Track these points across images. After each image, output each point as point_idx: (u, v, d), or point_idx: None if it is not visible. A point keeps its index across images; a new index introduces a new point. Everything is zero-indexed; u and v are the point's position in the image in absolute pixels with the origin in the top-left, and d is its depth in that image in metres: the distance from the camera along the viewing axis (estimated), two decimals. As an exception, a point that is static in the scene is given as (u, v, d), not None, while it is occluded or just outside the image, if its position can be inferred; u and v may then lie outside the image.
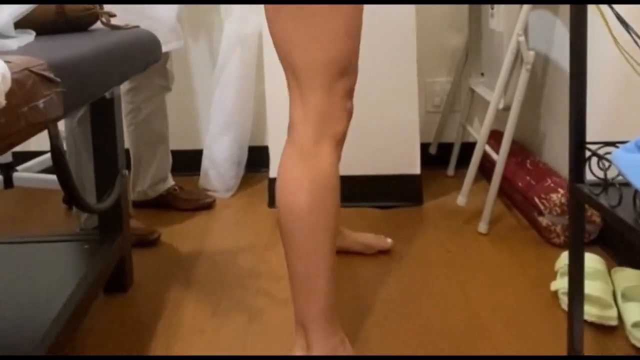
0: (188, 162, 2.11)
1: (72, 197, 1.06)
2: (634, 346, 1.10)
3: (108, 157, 1.31)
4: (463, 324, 1.20)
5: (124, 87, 1.72)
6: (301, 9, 0.93)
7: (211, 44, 2.19)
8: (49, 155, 2.28)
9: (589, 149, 0.92)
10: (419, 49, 1.83)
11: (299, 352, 1.02)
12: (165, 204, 1.88)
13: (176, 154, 1.92)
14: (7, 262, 1.33)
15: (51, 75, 0.65)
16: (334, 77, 0.96)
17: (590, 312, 1.16)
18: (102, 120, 1.27)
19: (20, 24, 0.99)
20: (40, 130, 0.68)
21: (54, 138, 0.95)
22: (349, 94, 1.01)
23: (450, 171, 2.07)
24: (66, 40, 1.03)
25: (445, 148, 2.11)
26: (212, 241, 1.66)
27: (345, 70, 0.97)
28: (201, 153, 2.08)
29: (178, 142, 2.00)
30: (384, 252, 1.50)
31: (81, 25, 1.15)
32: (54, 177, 2.09)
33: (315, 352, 0.99)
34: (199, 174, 2.07)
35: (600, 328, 1.16)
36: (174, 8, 1.64)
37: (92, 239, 1.38)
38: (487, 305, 1.26)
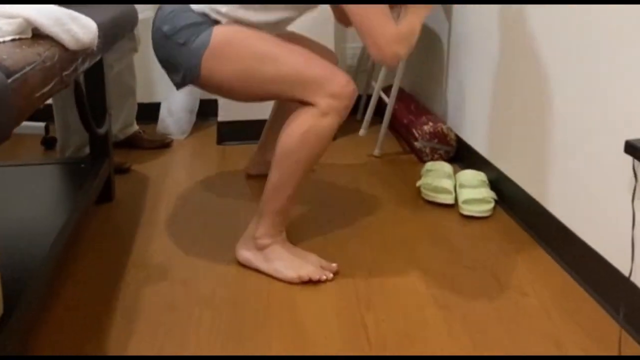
0: (146, 112, 2.54)
1: (85, 122, 1.51)
2: (462, 215, 1.72)
3: (99, 100, 1.75)
4: (357, 208, 1.77)
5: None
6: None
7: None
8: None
9: None
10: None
11: (252, 224, 1.43)
12: (133, 144, 2.31)
13: (139, 106, 2.32)
14: (12, 183, 1.58)
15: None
16: (315, 89, 1.28)
17: (438, 197, 1.77)
18: (95, 71, 1.71)
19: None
20: (90, 65, 1.15)
21: (77, 77, 1.41)
22: (348, 84, 1.30)
23: (359, 116, 2.63)
24: (88, 9, 1.45)
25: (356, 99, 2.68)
26: (173, 169, 2.12)
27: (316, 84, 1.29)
28: (156, 105, 2.51)
29: (137, 96, 2.39)
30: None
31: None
32: (31, 123, 2.46)
33: (262, 230, 1.38)
34: (155, 123, 2.51)
35: (444, 206, 1.77)
36: None
37: (86, 161, 1.82)
38: (374, 198, 1.84)
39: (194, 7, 1.33)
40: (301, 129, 1.29)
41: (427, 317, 1.24)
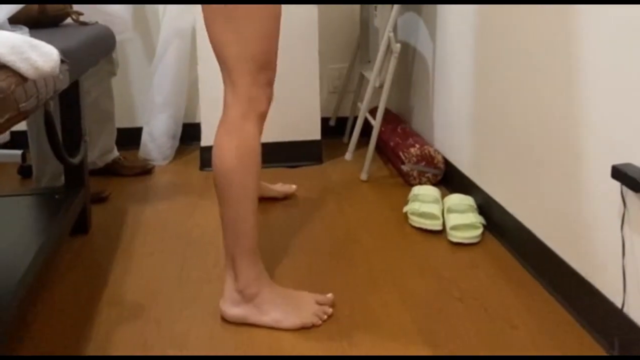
0: (127, 137, 2.49)
1: (56, 152, 1.45)
2: (450, 242, 1.66)
3: (74, 127, 1.70)
4: (342, 236, 1.71)
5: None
6: (230, 15, 1.14)
7: (148, 37, 2.54)
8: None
9: None
10: (322, 42, 2.31)
11: (229, 279, 1.28)
12: (112, 172, 2.25)
13: (119, 132, 2.28)
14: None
15: (63, 57, 1.07)
16: (257, 70, 1.19)
17: (425, 223, 1.72)
18: (70, 97, 1.66)
19: (11, 20, 1.35)
20: (56, 94, 1.10)
21: (47, 105, 1.35)
22: (270, 83, 1.23)
23: (346, 139, 2.59)
24: (54, 33, 1.40)
25: (342, 121, 2.64)
26: (154, 196, 2.06)
27: (266, 65, 1.21)
28: (138, 130, 2.46)
29: (118, 120, 2.33)
30: (289, 196, 2.00)
31: (56, 21, 1.53)
32: (7, 151, 2.41)
33: (242, 278, 1.25)
34: (137, 148, 2.46)
35: (431, 232, 1.72)
36: (129, 6, 2.01)
37: (60, 191, 1.76)
38: (360, 224, 1.78)
39: None
40: (231, 145, 1.20)
41: (413, 354, 1.18)
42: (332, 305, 1.32)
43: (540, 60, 1.42)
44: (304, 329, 1.25)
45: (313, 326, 1.26)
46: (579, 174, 1.27)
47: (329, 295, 1.33)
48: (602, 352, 1.17)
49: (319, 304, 1.30)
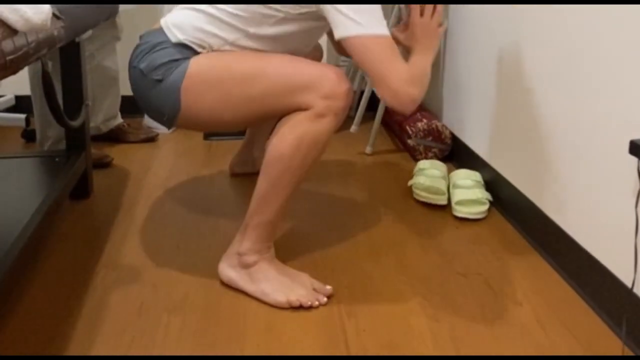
0: (132, 105, 2.45)
1: (55, 113, 1.43)
2: (455, 217, 1.62)
3: (75, 90, 1.67)
4: (344, 208, 1.68)
5: (80, 37, 2.04)
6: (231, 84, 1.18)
7: (151, 5, 2.51)
8: (5, 97, 2.59)
9: None
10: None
11: (236, 241, 1.27)
12: (116, 138, 2.24)
13: (123, 99, 2.24)
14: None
15: (57, 13, 1.03)
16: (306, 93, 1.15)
17: (430, 197, 1.68)
18: (71, 60, 1.62)
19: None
20: (50, 51, 1.06)
21: (45, 65, 1.32)
22: (340, 82, 1.15)
23: (352, 112, 2.54)
24: None
25: (350, 94, 2.58)
26: (156, 164, 2.04)
27: (309, 85, 1.16)
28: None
29: (122, 88, 2.29)
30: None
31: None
32: (11, 115, 2.40)
33: (247, 245, 1.23)
34: (141, 116, 2.43)
35: (436, 207, 1.68)
36: None
37: (61, 154, 1.74)
38: (364, 197, 1.75)
39: (175, 38, 1.23)
40: (294, 133, 1.16)
41: (412, 326, 1.15)
42: (329, 296, 1.24)
43: (554, 33, 1.36)
44: (290, 307, 1.20)
45: (300, 306, 1.20)
46: (593, 150, 1.22)
47: (328, 287, 1.26)
48: (608, 331, 1.14)
49: (315, 290, 1.24)
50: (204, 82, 1.19)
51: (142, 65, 1.23)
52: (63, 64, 1.64)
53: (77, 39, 1.56)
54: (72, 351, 1.07)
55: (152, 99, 1.24)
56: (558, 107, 1.36)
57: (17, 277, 1.28)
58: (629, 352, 1.08)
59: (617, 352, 1.08)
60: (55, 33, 1.01)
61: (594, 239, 1.23)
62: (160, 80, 1.21)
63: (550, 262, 1.39)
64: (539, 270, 1.36)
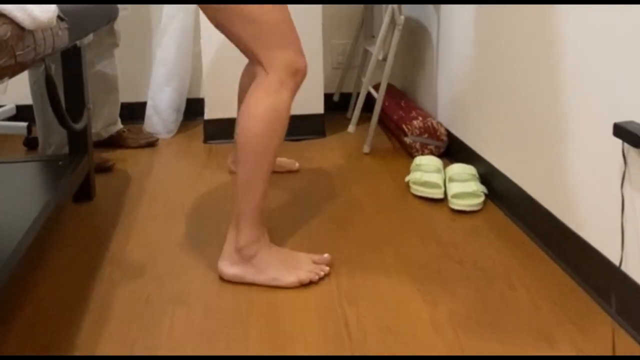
0: (132, 112, 2.50)
1: (58, 115, 1.46)
2: (451, 209, 1.66)
3: (77, 94, 1.70)
4: (344, 204, 1.71)
5: (79, 44, 2.09)
6: (236, 14, 1.21)
7: (152, 11, 2.52)
8: (7, 107, 2.62)
9: None
10: (326, 17, 2.29)
11: (230, 238, 1.30)
12: (116, 143, 2.27)
13: (123, 105, 2.27)
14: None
15: (61, 15, 1.07)
16: (282, 40, 1.24)
17: (427, 191, 1.72)
18: (72, 64, 1.66)
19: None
20: (55, 52, 1.10)
21: (49, 68, 1.36)
22: (300, 50, 1.27)
23: (349, 114, 2.58)
24: None
25: (346, 96, 2.63)
26: (157, 168, 2.07)
27: (289, 34, 1.26)
28: (142, 105, 2.46)
29: (122, 95, 2.29)
30: (293, 171, 1.99)
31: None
32: (13, 123, 2.43)
33: (244, 238, 1.27)
34: (141, 122, 2.46)
35: (433, 201, 1.72)
36: None
37: (64, 158, 1.77)
38: (362, 193, 1.79)
39: None
40: (258, 109, 1.22)
41: (412, 312, 1.19)
42: (329, 264, 1.33)
43: (542, 24, 1.40)
44: (301, 286, 1.26)
45: (310, 282, 1.27)
46: (580, 136, 1.26)
47: (326, 255, 1.34)
48: (600, 312, 1.17)
49: (316, 263, 1.31)
50: None
51: None
52: (65, 68, 1.68)
53: (78, 43, 1.60)
54: (80, 343, 1.10)
55: None
56: (549, 100, 1.40)
57: (23, 275, 1.31)
58: (618, 329, 1.11)
59: (607, 328, 1.11)
60: (60, 34, 1.05)
61: (583, 221, 1.26)
62: None
63: (542, 247, 1.42)
64: (532, 257, 1.40)
